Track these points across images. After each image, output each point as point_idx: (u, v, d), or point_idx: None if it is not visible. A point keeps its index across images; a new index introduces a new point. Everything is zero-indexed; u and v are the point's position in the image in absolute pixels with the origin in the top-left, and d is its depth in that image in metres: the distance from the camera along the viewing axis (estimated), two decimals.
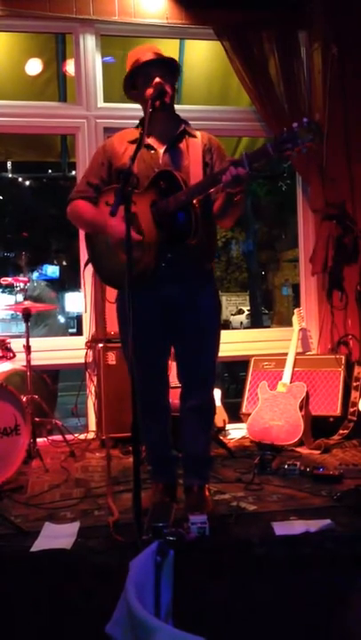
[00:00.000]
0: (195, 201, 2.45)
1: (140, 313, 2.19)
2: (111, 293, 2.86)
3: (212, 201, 2.56)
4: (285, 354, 4.13)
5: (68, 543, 2.30)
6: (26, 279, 3.84)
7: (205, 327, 2.63)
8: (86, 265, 2.83)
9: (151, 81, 2.51)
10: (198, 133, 2.64)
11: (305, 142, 2.16)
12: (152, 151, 2.58)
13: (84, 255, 4.36)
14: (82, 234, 4.34)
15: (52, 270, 17.42)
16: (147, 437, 2.74)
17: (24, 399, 3.32)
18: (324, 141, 4.39)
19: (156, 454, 2.80)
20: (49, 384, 4.47)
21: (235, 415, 4.26)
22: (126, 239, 2.19)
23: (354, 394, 3.96)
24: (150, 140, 2.59)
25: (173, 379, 2.93)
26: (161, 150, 2.58)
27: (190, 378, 2.70)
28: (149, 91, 2.51)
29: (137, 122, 2.68)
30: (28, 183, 15.09)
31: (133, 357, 2.20)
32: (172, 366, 2.97)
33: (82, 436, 4.11)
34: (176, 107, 2.69)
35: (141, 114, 2.62)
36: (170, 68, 2.58)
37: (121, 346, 2.85)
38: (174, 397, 2.79)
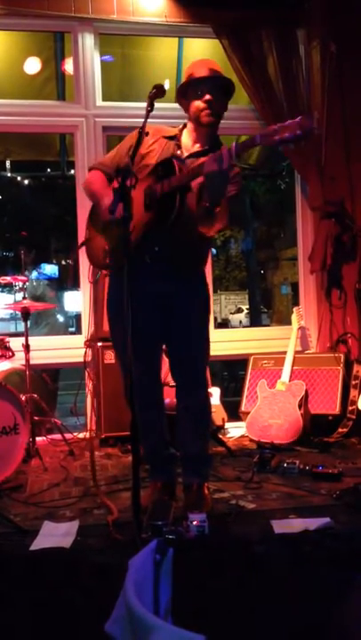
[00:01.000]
0: (188, 194, 2.46)
1: (129, 311, 2.19)
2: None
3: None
4: (284, 352, 4.13)
5: (68, 542, 2.30)
6: (25, 278, 3.83)
7: (194, 327, 2.64)
8: (81, 246, 2.85)
9: (201, 96, 2.54)
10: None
11: (292, 138, 2.17)
12: (178, 151, 2.61)
13: (83, 253, 4.37)
14: (81, 233, 4.35)
15: (51, 269, 17.42)
16: (144, 436, 2.74)
17: (23, 398, 3.32)
18: (323, 139, 4.39)
19: (153, 453, 2.80)
20: (48, 383, 4.47)
21: (234, 414, 4.26)
22: (125, 241, 2.18)
23: (353, 392, 3.96)
24: (185, 142, 2.63)
25: (171, 377, 2.93)
26: (186, 153, 2.62)
27: (183, 377, 2.71)
28: (196, 104, 2.55)
29: (136, 120, 2.70)
30: (26, 182, 15.06)
31: (132, 355, 2.19)
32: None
33: (81, 435, 4.11)
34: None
35: (140, 112, 2.62)
36: (223, 87, 2.60)
37: (113, 344, 2.85)
38: (171, 396, 2.79)
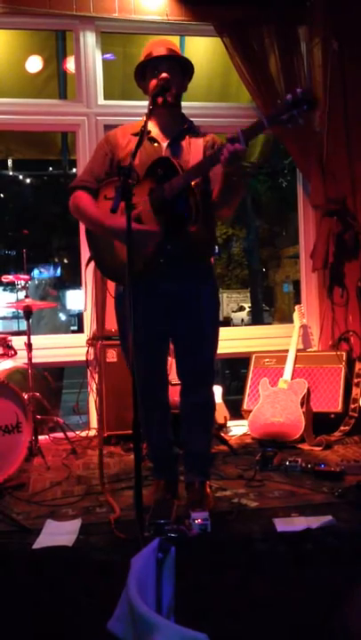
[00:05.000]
0: (194, 188, 2.44)
1: (139, 310, 2.19)
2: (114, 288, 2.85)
3: (211, 191, 2.55)
4: (286, 350, 4.13)
5: (70, 540, 2.30)
6: (27, 277, 3.83)
7: (204, 326, 2.62)
8: (88, 262, 2.83)
9: (158, 75, 2.52)
10: (202, 133, 2.65)
11: (300, 113, 2.16)
12: (155, 144, 2.59)
13: (85, 252, 4.37)
14: (82, 231, 4.35)
15: (53, 268, 17.44)
16: (148, 434, 2.74)
17: (25, 397, 3.32)
18: (325, 137, 4.39)
19: (157, 451, 2.80)
20: (50, 381, 4.47)
21: (236, 412, 4.27)
22: (127, 235, 2.18)
23: (355, 390, 3.96)
24: (154, 134, 2.60)
25: (174, 376, 2.93)
26: (164, 144, 2.59)
27: (189, 376, 2.70)
28: (153, 83, 2.53)
29: (138, 118, 2.68)
30: (28, 181, 15.08)
31: (134, 354, 2.19)
32: (173, 363, 2.97)
33: (83, 434, 4.12)
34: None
35: (142, 111, 2.62)
36: (181, 66, 2.59)
37: (120, 343, 2.85)
38: (175, 394, 2.79)
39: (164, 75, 2.51)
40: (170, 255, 2.48)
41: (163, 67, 2.53)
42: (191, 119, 2.70)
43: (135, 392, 2.17)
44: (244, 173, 2.42)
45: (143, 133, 2.41)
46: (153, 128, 2.61)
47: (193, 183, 2.44)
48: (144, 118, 2.53)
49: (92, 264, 2.82)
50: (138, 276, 2.29)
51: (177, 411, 2.76)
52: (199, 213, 2.43)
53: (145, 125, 2.45)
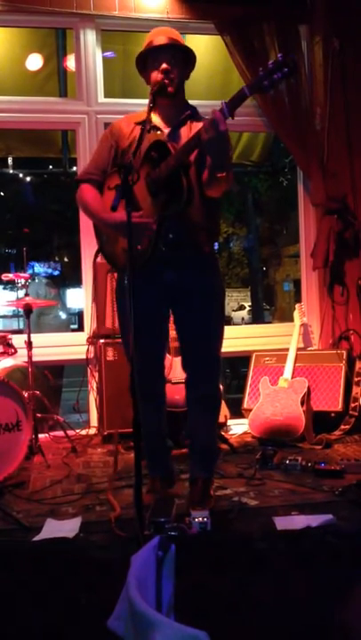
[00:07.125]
0: (188, 169, 2.45)
1: (140, 298, 2.18)
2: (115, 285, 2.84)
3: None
4: (287, 349, 4.13)
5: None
6: (27, 275, 3.83)
7: (207, 315, 2.60)
8: (97, 254, 2.82)
9: (159, 65, 2.52)
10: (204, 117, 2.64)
11: (281, 77, 2.15)
12: (158, 132, 2.58)
13: (85, 251, 4.38)
14: (83, 230, 4.36)
15: (53, 266, 17.45)
16: (142, 427, 2.73)
17: (26, 395, 3.32)
18: (325, 135, 4.39)
19: (151, 444, 2.78)
20: (51, 380, 4.47)
21: (236, 411, 4.26)
22: (128, 234, 2.18)
23: (355, 389, 3.96)
24: (156, 123, 2.60)
25: (174, 374, 2.93)
26: (166, 131, 2.59)
27: (195, 367, 2.67)
28: (154, 74, 2.53)
29: None
30: (28, 179, 15.06)
31: (134, 348, 2.17)
32: (175, 362, 2.97)
33: (83, 432, 4.12)
34: None
35: (142, 109, 2.62)
36: (182, 55, 2.57)
37: (121, 336, 2.84)
38: (175, 393, 2.79)
39: (164, 66, 2.51)
40: (172, 243, 2.48)
41: (163, 56, 2.52)
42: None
43: (134, 390, 2.16)
44: (227, 150, 2.39)
45: (146, 124, 2.41)
46: (155, 117, 2.61)
47: (190, 160, 2.44)
48: (147, 108, 2.52)
49: (90, 261, 2.84)
50: (140, 265, 2.29)
51: (177, 409, 2.76)
52: (192, 193, 2.43)
53: (148, 115, 2.44)
